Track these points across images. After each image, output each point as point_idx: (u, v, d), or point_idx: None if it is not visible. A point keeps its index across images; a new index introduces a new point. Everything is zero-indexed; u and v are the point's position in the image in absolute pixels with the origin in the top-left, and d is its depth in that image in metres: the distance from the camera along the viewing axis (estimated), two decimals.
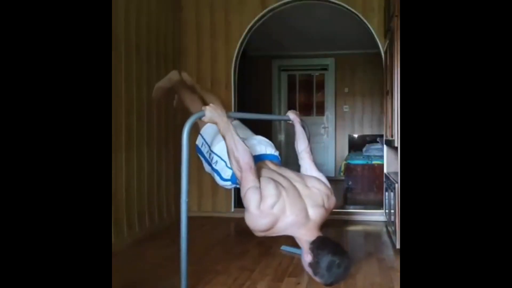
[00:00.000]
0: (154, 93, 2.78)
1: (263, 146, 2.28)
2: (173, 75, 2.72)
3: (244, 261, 2.83)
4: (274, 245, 3.21)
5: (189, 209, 2.09)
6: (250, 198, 1.86)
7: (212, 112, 2.05)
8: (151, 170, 3.70)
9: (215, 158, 2.28)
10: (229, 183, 2.25)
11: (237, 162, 1.92)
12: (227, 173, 2.22)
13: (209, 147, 2.33)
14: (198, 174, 4.41)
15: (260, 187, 1.87)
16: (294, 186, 1.98)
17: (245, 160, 1.90)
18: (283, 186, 1.93)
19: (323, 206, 1.98)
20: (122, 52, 3.25)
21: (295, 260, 2.86)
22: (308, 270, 1.89)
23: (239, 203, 4.56)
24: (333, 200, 2.06)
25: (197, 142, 2.44)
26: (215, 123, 2.07)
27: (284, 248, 3.10)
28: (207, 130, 2.39)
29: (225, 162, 2.20)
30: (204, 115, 2.08)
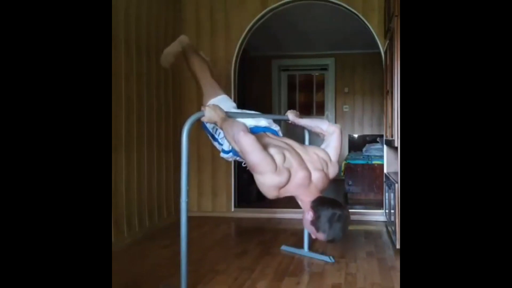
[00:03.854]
0: (164, 59, 2.64)
1: (267, 122, 2.42)
2: (184, 38, 2.64)
3: (244, 261, 2.83)
4: (274, 245, 3.21)
5: (189, 209, 2.09)
6: (265, 163, 1.89)
7: (211, 112, 2.08)
8: (151, 170, 3.71)
9: (219, 130, 2.34)
10: (230, 154, 2.33)
11: (233, 138, 1.95)
12: (227, 145, 2.30)
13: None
14: (198, 174, 4.42)
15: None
16: (296, 152, 2.07)
17: (241, 128, 1.94)
18: (286, 149, 2.02)
19: (323, 170, 2.07)
20: (122, 52, 3.25)
21: (295, 260, 2.86)
22: (310, 229, 1.97)
23: (239, 203, 4.56)
24: (334, 168, 2.13)
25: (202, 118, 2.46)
26: (214, 122, 2.10)
27: (284, 248, 3.10)
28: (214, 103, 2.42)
29: None
30: (203, 115, 2.11)
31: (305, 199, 1.98)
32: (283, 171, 1.91)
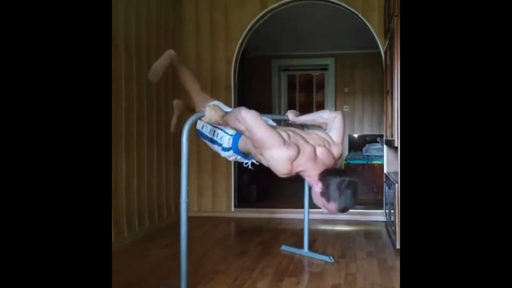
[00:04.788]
0: (153, 74, 2.64)
1: (265, 118, 2.44)
2: (171, 52, 2.68)
3: (244, 261, 2.83)
4: (274, 245, 3.21)
5: (189, 209, 2.09)
6: (273, 136, 1.92)
7: (211, 112, 2.10)
8: (151, 170, 3.71)
9: (217, 131, 2.35)
10: (231, 152, 2.32)
11: (237, 119, 1.97)
12: (227, 141, 2.30)
13: (213, 125, 2.38)
14: (198, 174, 4.42)
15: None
16: (298, 133, 2.11)
17: (241, 108, 1.97)
18: (289, 130, 2.08)
19: (325, 146, 2.09)
20: (122, 52, 3.25)
21: (295, 260, 2.86)
22: (321, 201, 1.97)
23: (239, 203, 4.56)
24: (338, 148, 2.15)
25: (197, 127, 2.47)
26: (215, 122, 2.12)
27: (284, 248, 3.10)
28: None
29: (225, 132, 2.30)
30: (203, 115, 2.12)
31: (313, 173, 1.99)
32: (291, 144, 1.94)
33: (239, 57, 4.46)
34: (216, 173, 4.42)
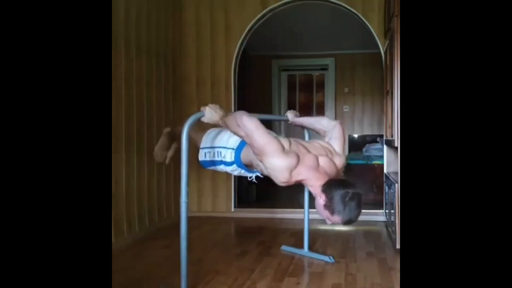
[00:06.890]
0: (156, 156, 2.77)
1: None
2: (165, 130, 2.80)
3: (244, 261, 2.83)
4: (274, 245, 3.21)
5: (189, 209, 2.09)
6: (273, 142, 1.91)
7: (211, 112, 2.09)
8: (151, 170, 3.70)
9: (217, 150, 2.33)
10: (234, 166, 2.29)
11: (237, 124, 1.96)
12: (229, 156, 2.28)
13: (212, 147, 2.37)
14: (198, 174, 4.41)
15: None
16: (299, 142, 2.10)
17: (242, 113, 1.97)
18: (290, 139, 2.07)
19: (327, 156, 2.08)
20: (122, 52, 3.24)
21: (295, 260, 2.86)
22: (325, 214, 1.95)
23: (239, 203, 4.56)
24: (340, 159, 2.14)
25: (200, 159, 2.45)
26: (215, 122, 2.11)
27: (284, 248, 3.10)
28: (206, 139, 2.45)
29: (225, 147, 2.28)
30: (203, 115, 2.12)
31: (316, 183, 1.97)
32: (291, 153, 1.92)
33: (239, 57, 4.47)
34: (216, 173, 4.40)
